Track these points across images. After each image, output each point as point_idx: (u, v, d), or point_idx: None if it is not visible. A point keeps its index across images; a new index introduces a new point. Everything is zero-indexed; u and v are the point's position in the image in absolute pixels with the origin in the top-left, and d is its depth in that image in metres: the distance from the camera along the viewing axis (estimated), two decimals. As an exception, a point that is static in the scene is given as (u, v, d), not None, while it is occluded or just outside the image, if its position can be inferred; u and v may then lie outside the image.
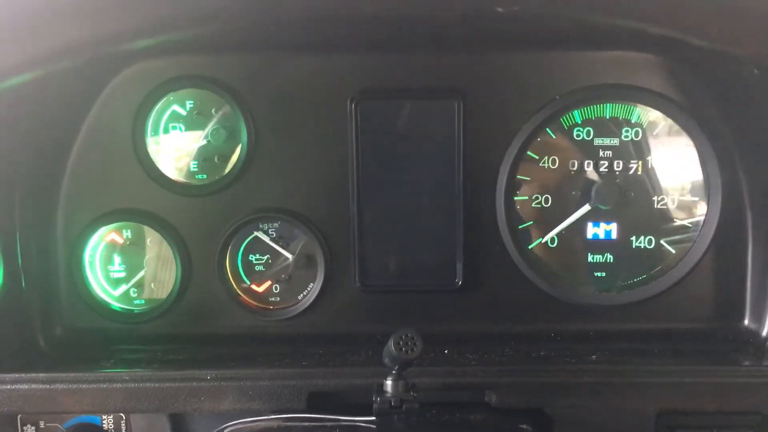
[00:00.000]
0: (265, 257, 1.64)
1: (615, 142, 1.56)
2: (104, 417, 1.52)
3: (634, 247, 1.60)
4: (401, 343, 1.12)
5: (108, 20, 0.77)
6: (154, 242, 1.64)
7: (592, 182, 1.57)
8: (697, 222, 1.59)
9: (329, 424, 1.31)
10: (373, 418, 1.23)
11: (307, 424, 1.33)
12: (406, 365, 1.19)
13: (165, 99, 1.58)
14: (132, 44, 0.77)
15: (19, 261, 1.51)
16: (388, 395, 1.19)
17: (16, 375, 1.39)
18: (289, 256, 1.64)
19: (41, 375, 1.40)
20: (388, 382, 1.20)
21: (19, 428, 1.51)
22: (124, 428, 1.53)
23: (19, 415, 1.50)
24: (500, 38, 1.54)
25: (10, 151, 1.44)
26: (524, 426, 1.36)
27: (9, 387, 1.38)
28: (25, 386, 1.39)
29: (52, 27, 0.74)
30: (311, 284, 1.64)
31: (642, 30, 0.74)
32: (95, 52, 0.77)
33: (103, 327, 1.64)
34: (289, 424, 1.34)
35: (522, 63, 1.57)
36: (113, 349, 1.59)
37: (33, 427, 1.52)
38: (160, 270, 1.65)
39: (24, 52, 0.76)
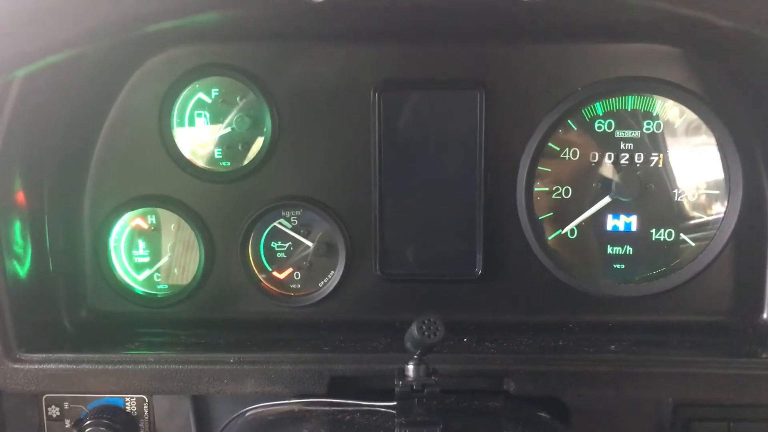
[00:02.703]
0: (287, 244, 1.66)
1: (636, 134, 1.57)
2: (127, 399, 1.55)
3: (653, 239, 1.60)
4: (424, 327, 1.13)
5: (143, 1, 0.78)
6: (177, 228, 1.66)
7: (613, 174, 1.58)
8: (718, 215, 1.58)
9: (350, 408, 1.32)
10: (394, 403, 1.24)
11: (327, 408, 1.34)
12: (428, 350, 1.20)
13: (191, 87, 1.60)
14: (166, 23, 0.79)
15: (47, 244, 1.53)
16: (410, 379, 1.20)
17: (43, 355, 1.42)
18: (310, 244, 1.66)
19: (68, 355, 1.43)
20: (410, 367, 1.21)
21: (44, 409, 1.54)
22: (146, 411, 1.55)
23: (45, 396, 1.53)
24: (523, 30, 1.55)
25: (39, 136, 1.46)
26: (542, 414, 1.37)
27: (36, 367, 1.41)
28: (52, 366, 1.42)
29: (90, 6, 0.76)
30: (332, 272, 1.66)
31: (670, 12, 0.74)
32: (131, 32, 0.79)
33: (127, 310, 1.66)
34: (310, 408, 1.36)
35: (544, 55, 1.57)
36: (137, 333, 1.61)
37: (57, 408, 1.55)
38: (183, 255, 1.68)
39: (60, 32, 0.78)
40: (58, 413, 1.55)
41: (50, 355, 1.42)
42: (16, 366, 1.41)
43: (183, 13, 0.85)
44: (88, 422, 1.50)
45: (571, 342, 1.51)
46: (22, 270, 1.46)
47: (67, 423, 1.54)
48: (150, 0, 0.82)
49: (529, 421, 1.35)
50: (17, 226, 1.45)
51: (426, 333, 1.14)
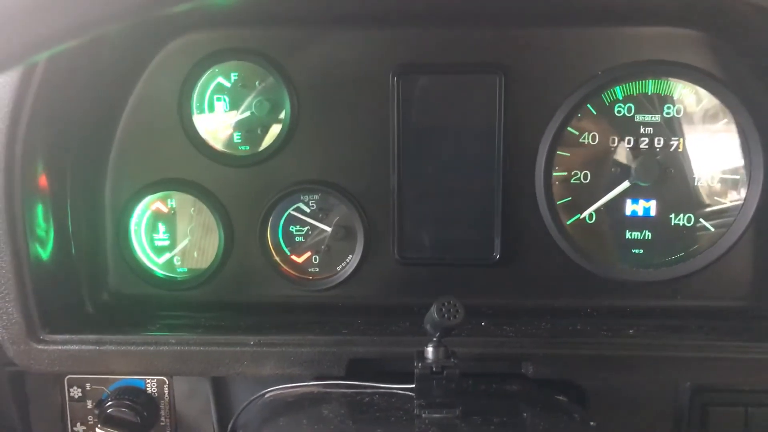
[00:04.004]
0: (305, 228, 1.67)
1: (656, 118, 1.56)
2: (148, 381, 1.57)
3: (672, 224, 1.60)
4: (444, 309, 1.14)
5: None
6: (197, 212, 1.67)
7: (632, 159, 1.57)
8: (737, 201, 1.58)
9: (368, 390, 1.34)
10: (412, 385, 1.25)
11: (346, 390, 1.36)
12: (447, 332, 1.20)
13: (210, 71, 1.61)
14: (185, 5, 0.79)
15: (70, 227, 1.55)
16: (429, 361, 1.21)
17: (66, 336, 1.44)
18: (328, 228, 1.67)
19: (91, 336, 1.44)
20: (429, 349, 1.22)
21: (67, 390, 1.56)
22: (167, 392, 1.57)
23: (67, 377, 1.55)
24: (543, 13, 1.55)
25: (62, 121, 1.48)
26: (560, 397, 1.38)
27: (60, 348, 1.43)
28: (74, 347, 1.43)
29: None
30: (350, 256, 1.66)
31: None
32: (150, 13, 0.78)
33: (148, 293, 1.68)
34: (328, 390, 1.37)
35: (564, 38, 1.56)
36: (157, 315, 1.63)
37: (79, 389, 1.57)
38: (202, 239, 1.69)
39: (80, 15, 0.78)
40: (80, 394, 1.57)
41: (73, 336, 1.44)
42: (39, 347, 1.43)
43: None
44: (110, 403, 1.52)
45: (589, 326, 1.51)
46: (45, 253, 1.47)
47: (89, 404, 1.57)
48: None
49: (547, 404, 1.36)
50: (40, 209, 1.46)
51: (446, 315, 1.14)
